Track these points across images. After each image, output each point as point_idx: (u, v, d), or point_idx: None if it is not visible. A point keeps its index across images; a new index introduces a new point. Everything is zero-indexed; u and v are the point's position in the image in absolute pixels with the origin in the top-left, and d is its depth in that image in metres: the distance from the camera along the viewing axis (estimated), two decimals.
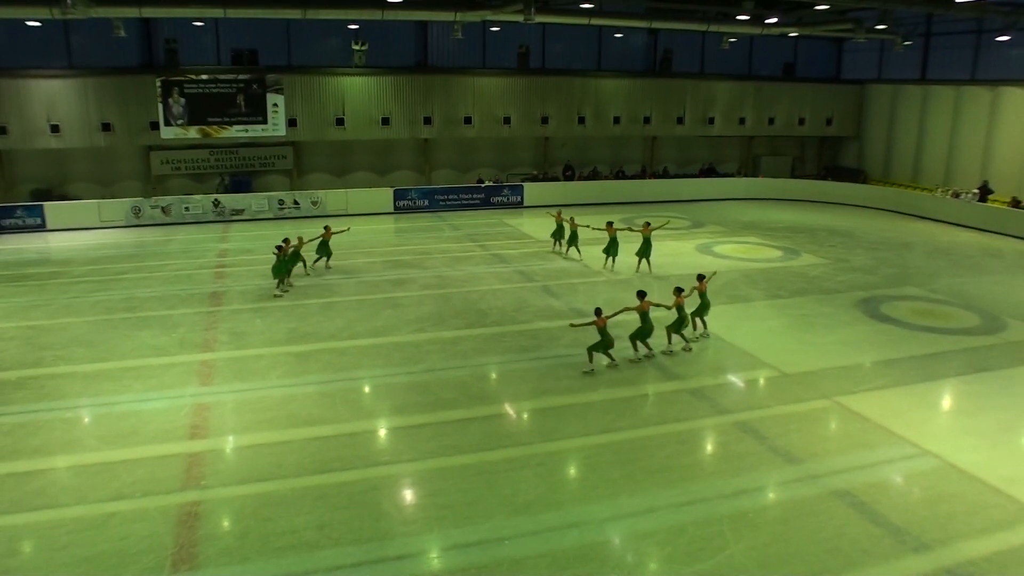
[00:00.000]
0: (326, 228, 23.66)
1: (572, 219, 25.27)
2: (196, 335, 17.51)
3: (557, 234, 25.95)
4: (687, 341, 16.62)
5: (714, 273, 18.12)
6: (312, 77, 33.62)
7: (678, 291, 16.25)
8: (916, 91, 38.13)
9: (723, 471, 11.48)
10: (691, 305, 16.81)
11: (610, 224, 23.88)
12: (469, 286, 21.65)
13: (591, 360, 15.20)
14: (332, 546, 9.48)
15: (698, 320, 17.23)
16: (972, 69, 35.63)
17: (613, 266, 23.70)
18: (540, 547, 9.52)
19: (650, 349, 15.87)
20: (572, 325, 16.07)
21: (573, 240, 24.94)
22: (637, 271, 23.21)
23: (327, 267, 23.53)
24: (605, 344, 15.08)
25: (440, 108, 35.40)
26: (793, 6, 32.46)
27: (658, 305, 15.93)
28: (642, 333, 15.56)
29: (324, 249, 23.30)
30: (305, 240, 22.25)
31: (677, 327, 16.25)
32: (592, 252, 24.60)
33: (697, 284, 17.06)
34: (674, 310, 16.19)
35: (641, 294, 15.87)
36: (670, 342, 16.37)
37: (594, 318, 15.10)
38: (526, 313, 19.12)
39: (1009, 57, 33.92)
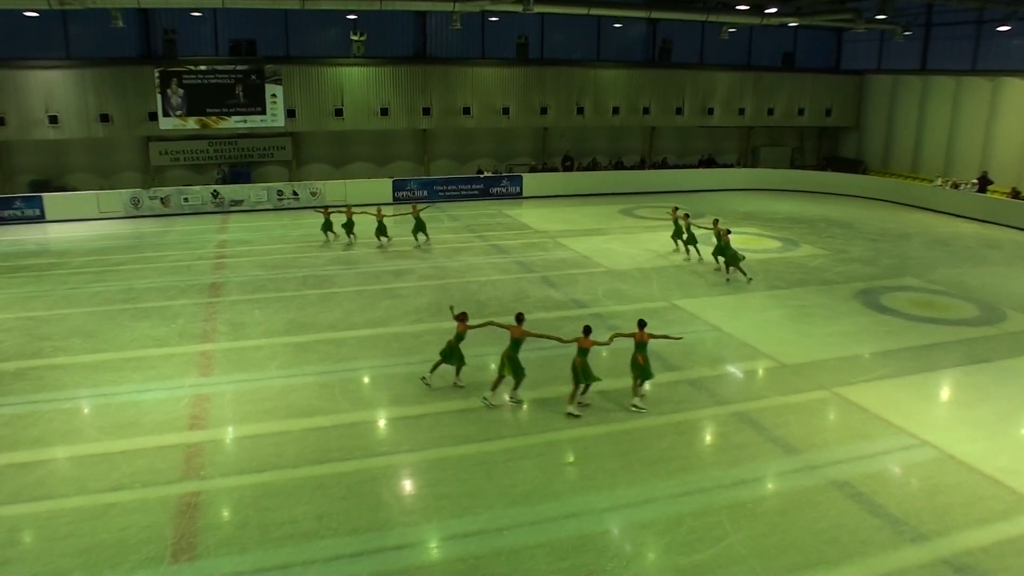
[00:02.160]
0: (413, 206, 26.26)
1: (686, 216, 23.84)
2: (195, 326, 17.50)
3: (677, 234, 24.11)
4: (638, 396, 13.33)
5: (678, 337, 14.40)
6: (310, 68, 33.52)
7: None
8: (916, 81, 38.05)
9: (721, 462, 11.50)
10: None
11: (716, 222, 22.44)
12: (468, 277, 21.65)
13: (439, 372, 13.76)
14: (331, 536, 9.51)
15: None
16: (972, 59, 35.55)
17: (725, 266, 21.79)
18: (539, 537, 9.54)
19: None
20: (452, 308, 14.29)
21: (692, 241, 23.32)
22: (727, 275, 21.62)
23: (424, 244, 25.85)
24: (445, 354, 13.64)
25: (439, 99, 35.30)
26: None
27: (597, 343, 13.00)
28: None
29: (420, 226, 25.54)
30: (385, 214, 25.31)
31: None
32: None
33: (637, 331, 13.25)
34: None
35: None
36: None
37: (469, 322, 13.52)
38: (525, 304, 19.10)
39: (1009, 47, 33.81)
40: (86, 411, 13.23)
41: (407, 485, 10.94)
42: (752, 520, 9.90)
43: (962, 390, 14.51)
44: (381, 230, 25.37)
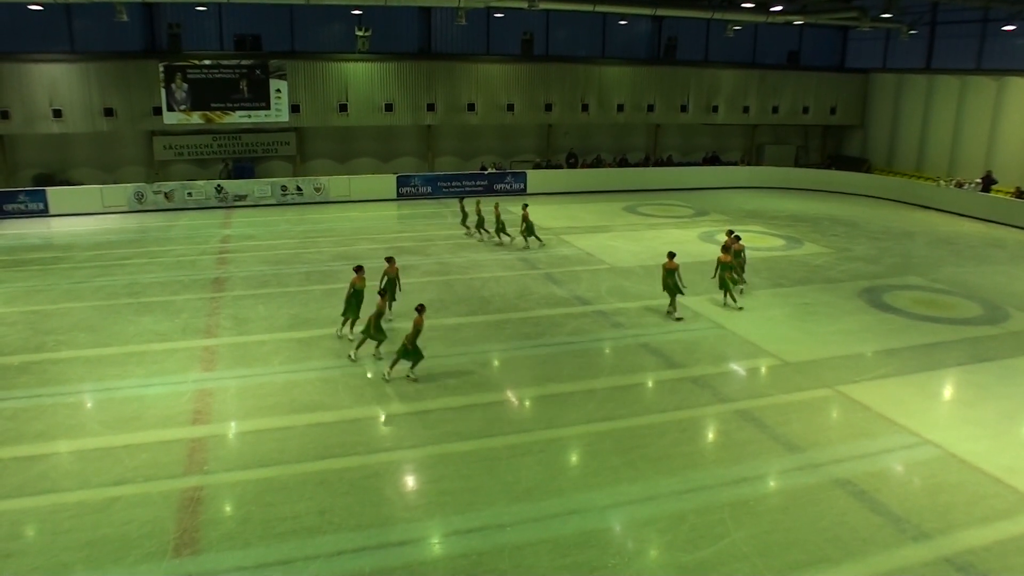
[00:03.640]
0: (524, 207, 25.32)
1: (738, 239, 20.21)
2: (198, 321, 17.52)
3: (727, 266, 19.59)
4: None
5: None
6: (315, 63, 33.50)
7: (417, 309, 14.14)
8: (921, 80, 37.97)
9: (724, 459, 11.50)
10: None
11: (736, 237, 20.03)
12: (471, 273, 21.65)
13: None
14: (333, 532, 9.52)
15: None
16: (977, 58, 35.48)
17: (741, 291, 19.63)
18: (541, 534, 9.55)
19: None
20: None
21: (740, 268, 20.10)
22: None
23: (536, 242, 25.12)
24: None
25: (443, 95, 35.28)
26: None
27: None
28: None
29: (530, 229, 24.78)
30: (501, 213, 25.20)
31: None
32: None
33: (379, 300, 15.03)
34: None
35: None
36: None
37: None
38: (528, 300, 19.11)
39: (1015, 47, 33.74)
40: (89, 405, 13.26)
41: (409, 481, 10.95)
42: (754, 518, 9.91)
43: (965, 389, 14.49)
44: (501, 227, 25.18)
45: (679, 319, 17.71)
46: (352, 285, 15.96)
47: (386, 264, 17.43)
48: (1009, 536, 9.59)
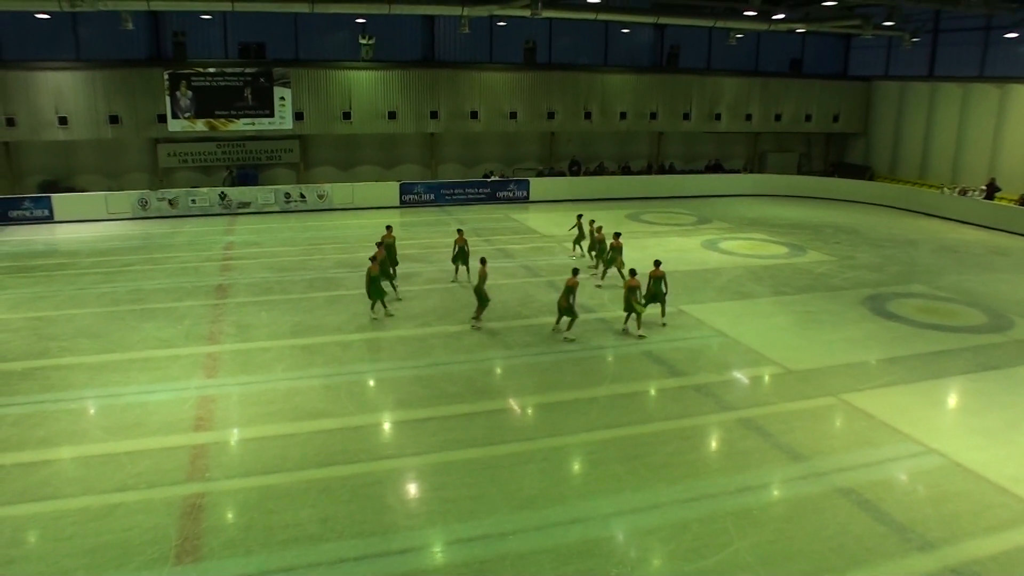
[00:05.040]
0: (603, 233, 22.48)
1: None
2: (202, 327, 17.53)
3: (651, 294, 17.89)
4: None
5: None
6: (319, 71, 33.58)
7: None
8: (924, 88, 37.99)
9: (727, 468, 11.46)
10: None
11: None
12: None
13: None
14: (335, 539, 9.50)
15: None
16: (980, 66, 35.50)
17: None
18: (544, 542, 9.52)
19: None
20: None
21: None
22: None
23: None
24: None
25: (446, 102, 35.34)
26: (801, 2, 32.37)
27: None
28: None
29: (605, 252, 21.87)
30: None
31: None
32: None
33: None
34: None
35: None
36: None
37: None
38: (531, 308, 19.11)
39: (1018, 54, 33.76)
40: (92, 411, 13.25)
41: (412, 489, 10.93)
42: (758, 527, 9.87)
43: (969, 397, 14.45)
44: (592, 247, 22.75)
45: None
46: (368, 272, 17.82)
47: (457, 235, 21.13)
48: (1015, 546, 9.54)
